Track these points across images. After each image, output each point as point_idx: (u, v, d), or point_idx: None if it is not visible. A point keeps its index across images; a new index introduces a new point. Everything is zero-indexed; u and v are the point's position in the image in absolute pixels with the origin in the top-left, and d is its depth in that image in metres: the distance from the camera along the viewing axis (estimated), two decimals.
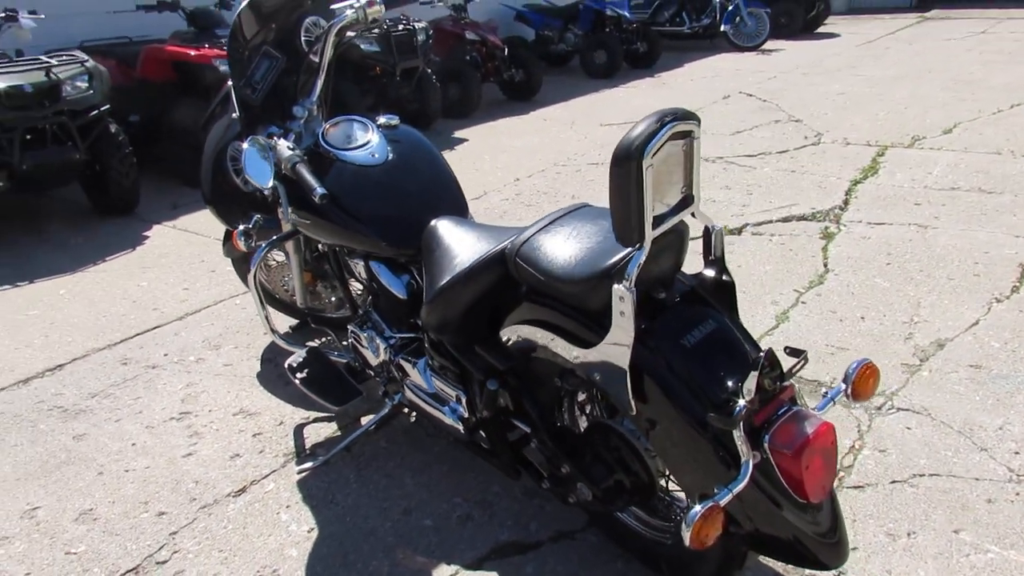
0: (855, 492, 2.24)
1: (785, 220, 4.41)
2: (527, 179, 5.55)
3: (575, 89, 9.07)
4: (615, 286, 1.50)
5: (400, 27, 6.85)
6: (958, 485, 2.24)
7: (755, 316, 3.30)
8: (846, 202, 4.62)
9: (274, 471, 2.49)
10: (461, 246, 2.04)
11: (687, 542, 1.36)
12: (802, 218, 4.42)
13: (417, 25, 6.96)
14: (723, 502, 1.41)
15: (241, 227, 2.63)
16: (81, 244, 4.67)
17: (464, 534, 2.18)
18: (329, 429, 2.70)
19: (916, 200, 4.56)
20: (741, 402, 1.42)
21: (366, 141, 2.39)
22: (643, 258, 1.48)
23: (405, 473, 2.45)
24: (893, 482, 2.28)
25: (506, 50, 8.39)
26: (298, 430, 2.70)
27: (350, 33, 2.45)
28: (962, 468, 2.31)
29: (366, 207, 2.24)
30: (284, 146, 2.20)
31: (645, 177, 1.39)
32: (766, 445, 1.45)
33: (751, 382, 1.42)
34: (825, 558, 1.54)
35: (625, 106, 7.93)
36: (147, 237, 4.74)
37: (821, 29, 12.70)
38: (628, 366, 1.54)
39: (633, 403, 1.57)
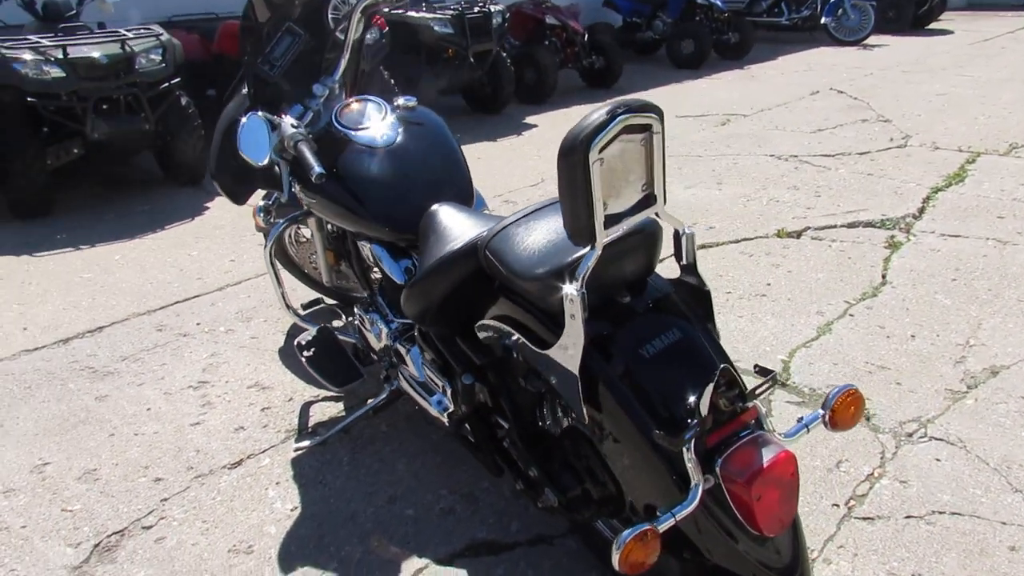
0: (863, 524, 2.07)
1: (851, 226, 4.15)
2: None
3: (658, 79, 8.84)
4: (564, 287, 1.41)
5: (475, 9, 6.80)
6: (980, 527, 2.04)
7: (794, 326, 3.11)
8: (921, 210, 4.31)
9: (273, 447, 2.51)
10: (451, 234, 1.98)
11: (615, 565, 1.27)
12: (869, 224, 4.15)
13: (493, 8, 6.90)
14: (661, 527, 1.30)
15: (261, 203, 2.65)
16: (145, 212, 4.85)
17: (443, 527, 2.14)
18: (336, 409, 2.70)
19: (1000, 213, 4.21)
20: (691, 421, 1.31)
21: (377, 122, 2.35)
22: (593, 260, 1.38)
23: (399, 459, 2.42)
24: (908, 517, 2.09)
25: (586, 36, 8.24)
26: (305, 408, 2.71)
27: (385, 10, 2.42)
28: (989, 509, 2.10)
29: (366, 189, 2.21)
30: (288, 123, 2.19)
31: (592, 173, 1.29)
32: (718, 470, 1.34)
33: (704, 400, 1.31)
34: None
35: (705, 98, 7.67)
36: (207, 208, 4.88)
37: (934, 25, 11.96)
38: (579, 371, 1.45)
39: (585, 411, 1.47)
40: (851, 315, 3.19)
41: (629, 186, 1.38)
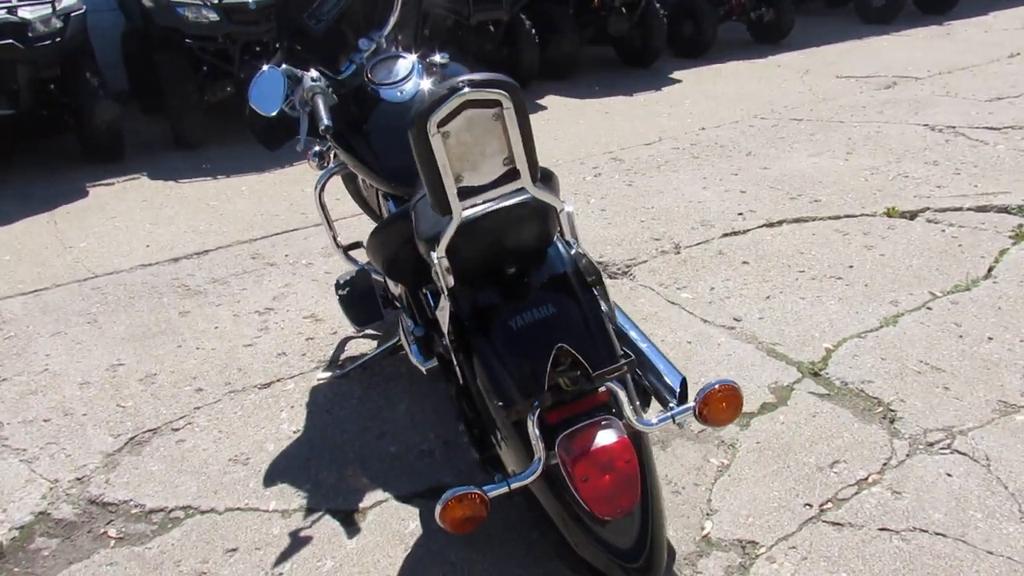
0: (828, 528, 1.95)
1: (980, 210, 3.72)
2: (713, 129, 5.20)
3: (837, 34, 8.15)
4: (432, 252, 1.45)
5: None
6: (960, 553, 1.86)
7: (858, 314, 2.89)
8: None
9: (301, 374, 2.74)
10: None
11: (437, 520, 1.33)
12: (1003, 210, 3.69)
13: None
14: (491, 494, 1.34)
15: (316, 148, 2.84)
16: (283, 149, 5.27)
17: (416, 468, 2.26)
18: (370, 347, 2.89)
19: None
20: (530, 397, 1.33)
21: (402, 78, 2.43)
22: (452, 229, 1.41)
23: (402, 400, 2.57)
24: (883, 529, 1.94)
25: None
26: (343, 342, 2.92)
27: None
28: (980, 536, 1.90)
29: (377, 142, 2.31)
30: (309, 77, 2.33)
31: (434, 145, 1.31)
32: (556, 447, 1.34)
33: (543, 378, 1.31)
34: None
35: (879, 58, 7.00)
36: None
37: None
38: (447, 333, 1.50)
39: (459, 373, 1.52)
40: (929, 308, 2.90)
41: (487, 160, 1.38)
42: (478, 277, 1.53)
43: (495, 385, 1.44)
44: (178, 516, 2.14)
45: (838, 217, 3.73)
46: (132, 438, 2.46)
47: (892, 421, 2.33)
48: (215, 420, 2.52)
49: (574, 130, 5.38)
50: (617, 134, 5.23)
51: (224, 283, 3.44)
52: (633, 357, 1.40)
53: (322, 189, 2.86)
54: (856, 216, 3.73)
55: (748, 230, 3.65)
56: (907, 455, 2.18)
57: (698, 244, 3.54)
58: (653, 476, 1.45)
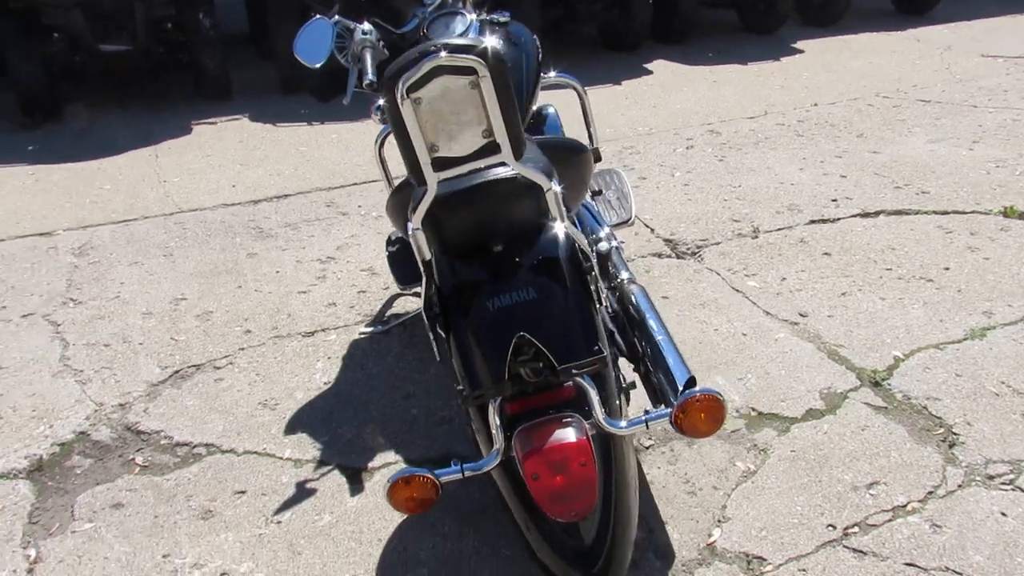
0: (847, 555, 1.79)
1: None
2: (827, 106, 4.84)
3: (991, 6, 7.39)
4: (408, 222, 1.39)
5: None
6: None
7: (942, 322, 2.62)
8: None
9: (345, 326, 2.77)
10: None
11: (385, 498, 1.29)
12: None
13: None
14: (444, 478, 1.29)
15: (380, 102, 2.82)
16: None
17: (432, 434, 2.25)
18: (417, 306, 2.88)
19: None
20: (489, 384, 1.27)
21: (455, 36, 2.35)
22: (427, 199, 1.34)
23: (434, 363, 2.54)
24: (909, 564, 1.76)
25: None
26: (392, 299, 2.93)
27: None
28: None
29: None
30: (360, 29, 2.29)
31: (404, 112, 1.23)
32: (513, 440, 1.27)
33: (503, 366, 1.24)
34: None
35: None
36: None
37: None
38: (424, 307, 1.44)
39: (436, 348, 1.46)
40: None
41: (464, 130, 1.29)
42: (464, 252, 1.47)
43: (463, 366, 1.38)
44: (200, 452, 2.21)
45: (945, 212, 3.40)
46: (177, 371, 2.56)
47: (951, 446, 2.11)
48: (255, 363, 2.58)
49: (676, 98, 5.14)
50: (721, 105, 4.96)
51: (295, 228, 3.51)
52: (606, 354, 1.30)
53: (382, 144, 2.84)
54: (966, 213, 3.38)
55: (839, 219, 3.38)
56: (959, 485, 1.97)
57: (779, 229, 3.31)
58: (624, 481, 1.36)
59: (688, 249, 3.19)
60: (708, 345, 2.57)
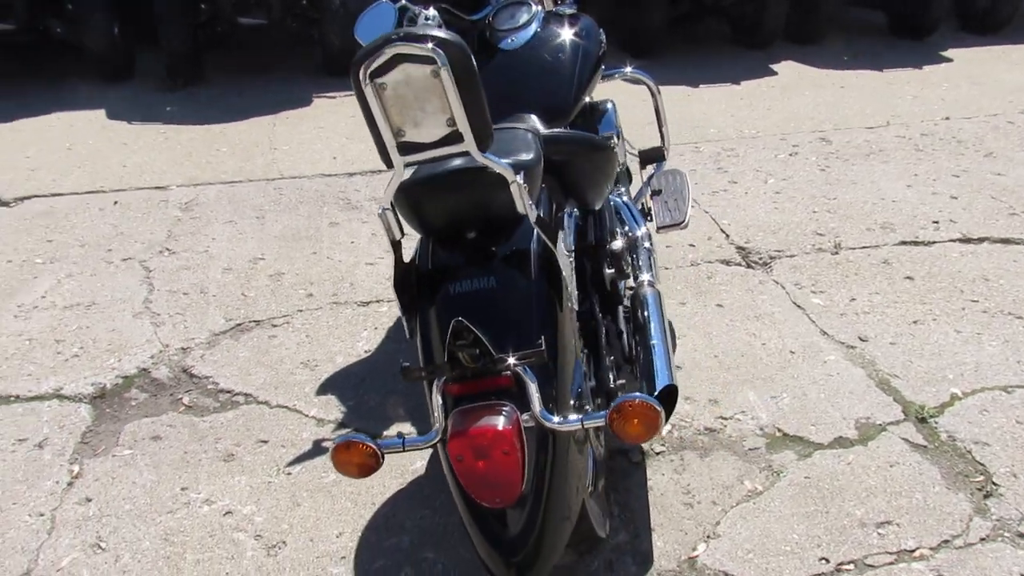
0: None
1: None
2: (959, 120, 4.48)
3: None
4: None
5: None
6: None
7: (1021, 363, 2.41)
8: None
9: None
10: None
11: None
12: None
13: None
14: (386, 449, 1.34)
15: None
16: None
17: None
18: None
19: None
20: (428, 365, 1.31)
21: (518, 25, 2.38)
22: (394, 181, 1.38)
23: None
24: None
25: None
26: None
27: None
28: None
29: None
30: (424, 15, 2.35)
31: (368, 95, 1.28)
32: (448, 420, 1.31)
33: (443, 348, 1.28)
34: (494, 569, 1.34)
35: None
36: None
37: None
38: (393, 285, 1.50)
39: (405, 326, 1.51)
40: None
41: (429, 118, 1.32)
42: (440, 237, 1.52)
43: (420, 346, 1.43)
44: (238, 400, 2.38)
45: None
46: (239, 325, 2.75)
47: (987, 496, 1.95)
48: (308, 324, 2.74)
49: (794, 102, 4.91)
50: (840, 112, 4.69)
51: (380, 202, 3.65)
52: (542, 349, 1.30)
53: None
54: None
55: (934, 242, 3.15)
56: (982, 539, 1.82)
57: (863, 247, 3.12)
58: (560, 476, 1.36)
59: (759, 259, 3.07)
60: (750, 359, 2.48)
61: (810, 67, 5.64)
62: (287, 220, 3.51)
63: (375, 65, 1.25)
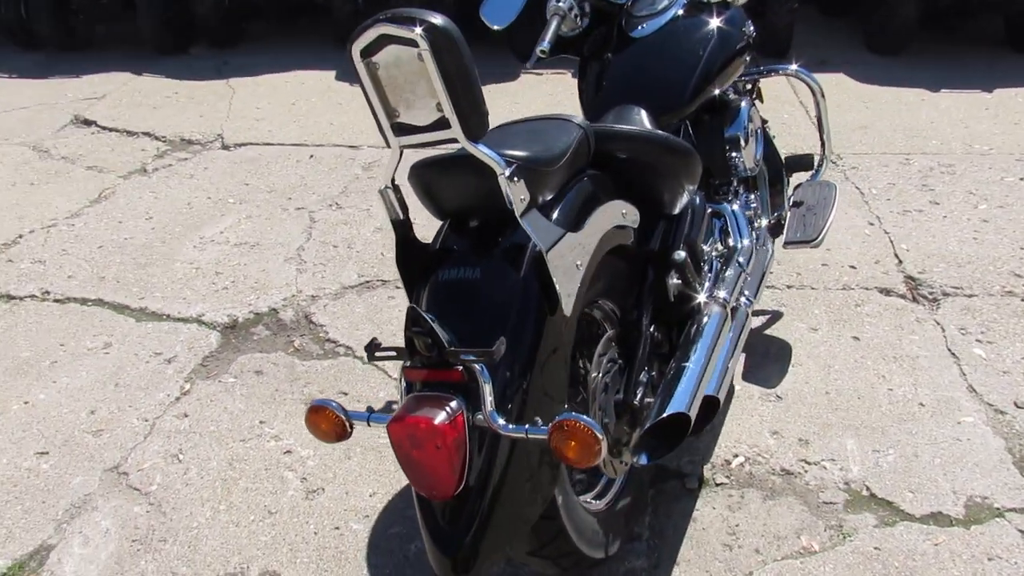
0: None
1: None
2: None
3: None
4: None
5: None
6: None
7: None
8: None
9: None
10: None
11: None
12: None
13: None
14: (355, 420, 1.37)
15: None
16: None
17: None
18: None
19: None
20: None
21: (658, 11, 2.25)
22: (393, 160, 1.37)
23: None
24: None
25: None
26: None
27: None
28: None
29: (588, 73, 2.23)
30: None
31: (360, 73, 1.27)
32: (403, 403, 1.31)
33: (403, 334, 1.28)
34: (432, 559, 1.31)
35: None
36: None
37: None
38: (397, 263, 1.50)
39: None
40: None
41: (419, 101, 1.28)
42: (453, 221, 1.51)
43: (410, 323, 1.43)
44: (338, 352, 2.54)
45: None
46: (367, 282, 2.92)
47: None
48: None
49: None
50: (914, 125, 3.92)
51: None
52: (492, 350, 1.23)
53: None
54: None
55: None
56: None
57: None
58: (504, 483, 1.28)
59: (928, 293, 2.67)
60: (867, 403, 2.18)
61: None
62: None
63: (363, 44, 1.26)
